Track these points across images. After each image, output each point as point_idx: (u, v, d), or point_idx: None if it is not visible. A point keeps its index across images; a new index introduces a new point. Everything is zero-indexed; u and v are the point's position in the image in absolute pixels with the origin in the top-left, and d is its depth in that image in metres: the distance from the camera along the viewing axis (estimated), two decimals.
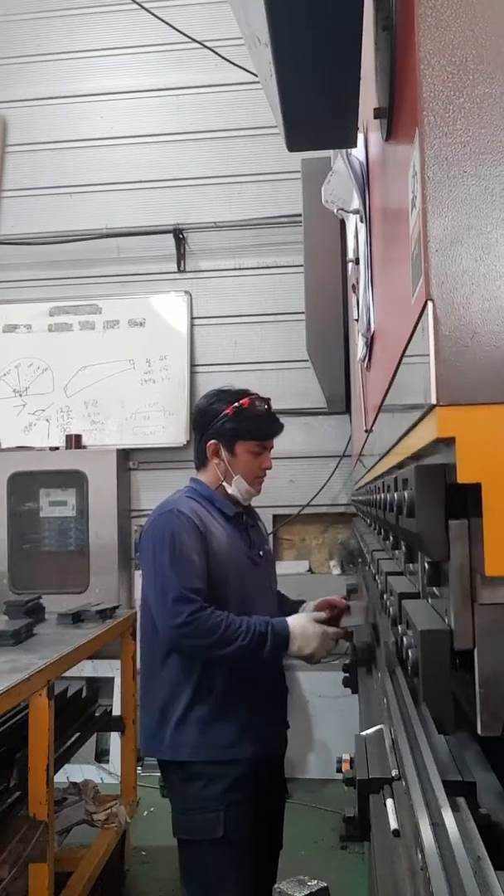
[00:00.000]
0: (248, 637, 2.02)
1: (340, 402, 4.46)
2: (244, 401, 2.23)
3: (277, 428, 2.29)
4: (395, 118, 1.11)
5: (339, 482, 4.83)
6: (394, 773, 1.18)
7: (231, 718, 2.12)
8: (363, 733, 1.46)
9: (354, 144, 1.58)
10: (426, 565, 0.91)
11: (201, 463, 2.31)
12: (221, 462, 2.25)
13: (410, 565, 1.21)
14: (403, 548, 1.20)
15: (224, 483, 2.26)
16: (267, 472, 2.29)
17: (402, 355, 1.00)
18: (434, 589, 0.92)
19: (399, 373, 1.08)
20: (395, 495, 0.97)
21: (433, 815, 0.90)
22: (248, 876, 2.12)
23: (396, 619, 1.06)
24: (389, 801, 1.10)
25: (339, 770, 1.53)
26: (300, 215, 4.49)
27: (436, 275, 0.74)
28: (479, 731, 0.73)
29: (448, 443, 0.74)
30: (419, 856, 0.85)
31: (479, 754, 1.15)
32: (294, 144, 1.46)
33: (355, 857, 3.45)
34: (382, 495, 1.26)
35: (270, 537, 4.82)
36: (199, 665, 2.11)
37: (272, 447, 2.30)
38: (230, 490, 2.26)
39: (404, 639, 0.93)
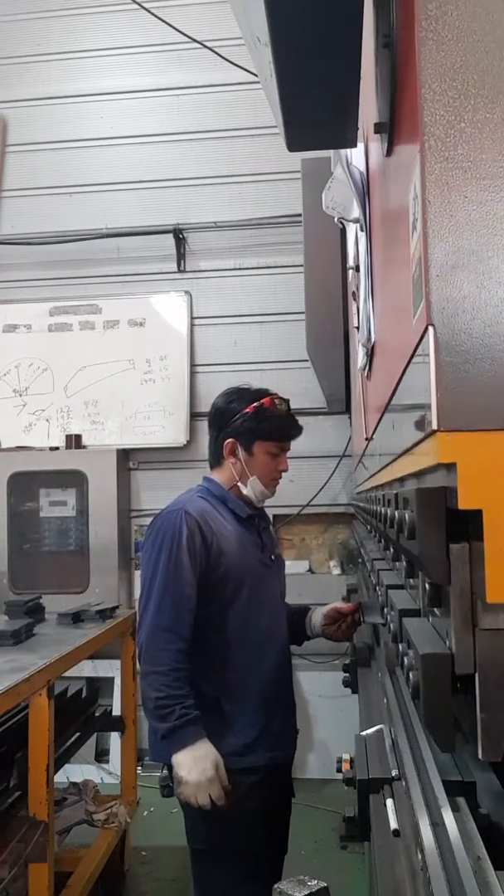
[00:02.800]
0: (171, 703, 1.92)
1: (340, 402, 4.45)
2: (265, 400, 2.21)
3: (297, 430, 2.27)
4: (395, 135, 1.11)
5: (339, 482, 4.83)
6: (394, 773, 1.18)
7: (243, 726, 2.06)
8: (363, 733, 1.46)
9: (354, 144, 1.57)
10: (427, 586, 0.91)
11: (216, 461, 2.25)
12: (238, 462, 2.19)
13: (411, 580, 1.20)
14: (404, 562, 1.20)
15: (239, 483, 2.20)
16: (282, 475, 2.26)
17: (403, 374, 1.00)
18: (435, 610, 0.92)
19: (399, 391, 1.08)
20: (397, 513, 0.96)
21: (433, 815, 0.91)
22: (259, 887, 2.00)
23: (397, 637, 1.05)
24: (389, 801, 1.10)
25: (339, 770, 1.53)
26: (300, 215, 4.49)
27: (437, 300, 0.74)
28: (479, 756, 0.73)
29: (449, 466, 0.74)
30: (419, 856, 0.85)
31: None
32: (294, 144, 1.46)
33: (355, 857, 3.45)
34: (383, 509, 1.26)
35: None
36: (200, 670, 2.04)
37: (289, 449, 2.27)
38: (245, 491, 2.20)
39: (405, 659, 0.93)
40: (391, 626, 1.15)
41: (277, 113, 1.35)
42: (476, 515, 0.71)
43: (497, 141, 0.74)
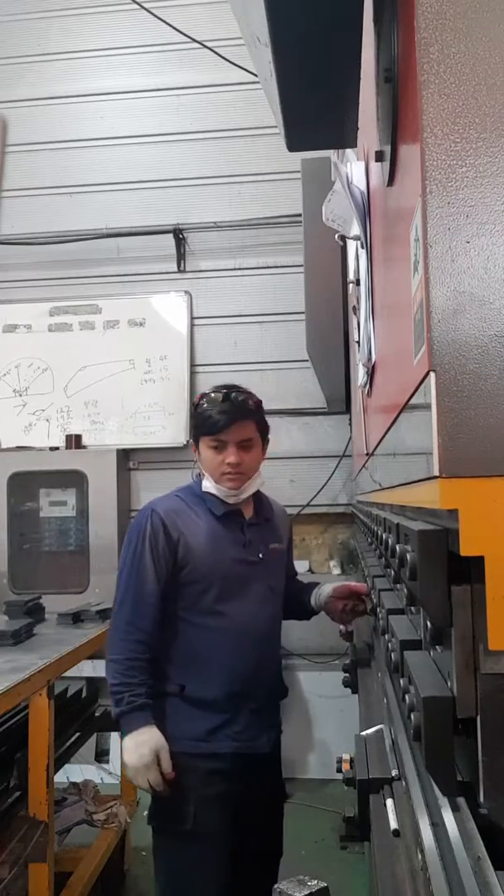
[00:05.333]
0: (122, 689, 2.04)
1: (340, 402, 4.45)
2: (198, 396, 2.25)
3: (224, 420, 2.12)
4: (396, 168, 1.10)
5: (339, 482, 4.83)
6: (394, 773, 1.18)
7: (207, 713, 2.11)
8: (363, 733, 1.46)
9: (354, 144, 1.58)
10: (428, 623, 0.90)
11: None
12: (198, 460, 2.25)
13: (412, 608, 1.20)
14: (405, 588, 1.19)
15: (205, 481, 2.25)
16: (232, 467, 2.13)
17: (403, 408, 1.00)
18: (437, 647, 0.91)
19: (400, 424, 1.07)
20: (398, 548, 0.96)
21: (433, 815, 0.90)
22: (218, 874, 2.10)
23: (399, 668, 1.05)
24: (389, 801, 1.10)
25: (339, 770, 1.53)
26: (300, 215, 4.48)
27: (438, 346, 0.74)
28: (480, 800, 0.73)
29: (451, 512, 0.73)
30: (419, 856, 0.85)
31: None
32: (294, 144, 1.47)
33: (355, 857, 3.45)
34: (385, 534, 1.25)
35: None
36: (169, 658, 2.14)
37: (239, 440, 2.14)
38: (211, 488, 2.23)
39: (406, 696, 0.92)
40: (392, 655, 1.15)
41: (277, 113, 1.35)
42: (478, 561, 0.70)
43: (499, 185, 0.74)
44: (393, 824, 1.04)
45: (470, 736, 0.76)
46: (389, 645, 1.20)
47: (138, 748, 2.00)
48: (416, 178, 0.79)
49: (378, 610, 2.01)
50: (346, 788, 1.39)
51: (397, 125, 1.05)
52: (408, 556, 0.84)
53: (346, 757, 1.51)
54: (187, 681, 2.13)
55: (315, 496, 4.83)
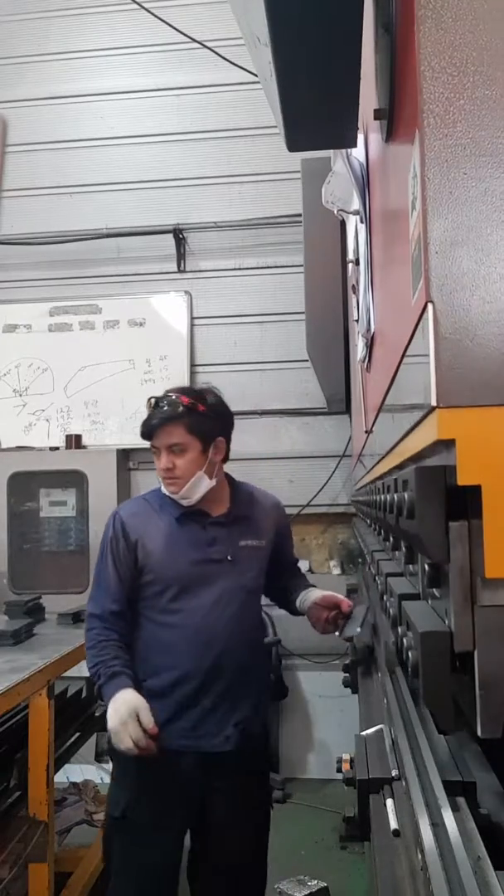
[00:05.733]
0: (97, 667, 2.13)
1: (340, 402, 4.46)
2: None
3: (148, 428, 2.18)
4: (395, 119, 1.11)
5: (339, 482, 4.83)
6: (394, 773, 1.18)
7: (160, 706, 2.13)
8: (363, 733, 1.46)
9: (354, 144, 1.57)
10: (426, 567, 0.91)
11: None
12: None
13: (411, 566, 1.21)
14: (403, 549, 1.20)
15: None
16: (165, 472, 2.17)
17: (403, 357, 1.00)
18: (434, 590, 0.92)
19: (399, 374, 1.08)
20: (396, 496, 0.96)
21: (433, 815, 0.90)
22: (140, 870, 2.15)
23: (397, 621, 1.05)
24: (389, 801, 1.10)
25: (339, 770, 1.53)
26: (300, 215, 4.49)
27: (436, 277, 0.74)
28: (478, 734, 0.73)
29: (448, 445, 0.73)
30: (419, 856, 0.85)
31: (479, 754, 1.15)
32: (294, 144, 1.46)
33: (355, 857, 3.45)
34: (383, 496, 1.26)
35: None
36: (133, 653, 2.21)
37: (167, 446, 2.17)
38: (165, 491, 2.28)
39: (404, 640, 0.93)
40: (391, 610, 1.15)
41: (277, 113, 1.35)
42: (475, 493, 0.71)
43: (496, 118, 0.74)
44: (393, 824, 1.03)
45: (467, 673, 0.76)
46: (389, 603, 1.20)
47: (117, 711, 2.03)
48: (414, 115, 0.80)
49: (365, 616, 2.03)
50: (346, 788, 1.39)
51: (395, 72, 1.05)
52: (406, 497, 0.84)
53: (346, 757, 1.51)
54: (146, 675, 2.18)
55: (315, 496, 4.83)
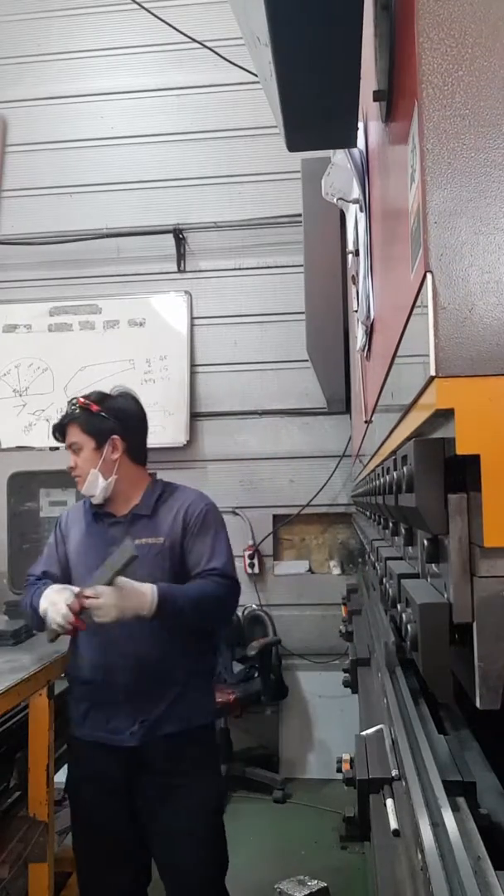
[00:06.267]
0: (30, 597, 2.28)
1: (340, 402, 4.46)
2: None
3: (53, 428, 2.40)
4: (394, 97, 1.11)
5: (339, 482, 4.83)
6: (394, 773, 1.18)
7: (77, 699, 2.32)
8: (363, 733, 1.46)
9: (354, 144, 1.58)
10: (425, 542, 0.91)
11: None
12: None
13: (409, 548, 1.21)
14: (402, 531, 1.20)
15: None
16: (71, 470, 2.37)
17: (402, 334, 1.00)
18: (433, 567, 0.92)
19: (399, 350, 1.08)
20: (395, 474, 0.97)
21: (433, 815, 0.90)
22: (94, 863, 2.32)
23: (396, 600, 1.05)
24: (389, 801, 1.10)
25: (339, 770, 1.53)
26: (300, 215, 4.49)
27: (435, 246, 0.74)
28: (477, 705, 0.72)
29: (447, 417, 0.73)
30: (419, 856, 0.85)
31: (479, 754, 1.15)
32: (294, 144, 1.46)
33: (355, 857, 3.45)
34: (382, 479, 1.27)
35: (270, 537, 4.82)
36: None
37: (68, 445, 2.36)
38: None
39: (403, 616, 0.93)
40: (390, 591, 1.15)
41: (277, 113, 1.34)
42: (474, 466, 0.71)
43: (495, 88, 0.74)
44: (393, 824, 1.03)
45: (466, 645, 0.76)
46: (388, 584, 1.21)
47: (46, 597, 2.15)
48: (413, 88, 0.79)
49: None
50: (346, 788, 1.39)
51: (394, 49, 1.05)
52: (405, 471, 0.84)
53: (346, 757, 1.51)
54: (73, 663, 2.35)
55: (315, 496, 4.83)
